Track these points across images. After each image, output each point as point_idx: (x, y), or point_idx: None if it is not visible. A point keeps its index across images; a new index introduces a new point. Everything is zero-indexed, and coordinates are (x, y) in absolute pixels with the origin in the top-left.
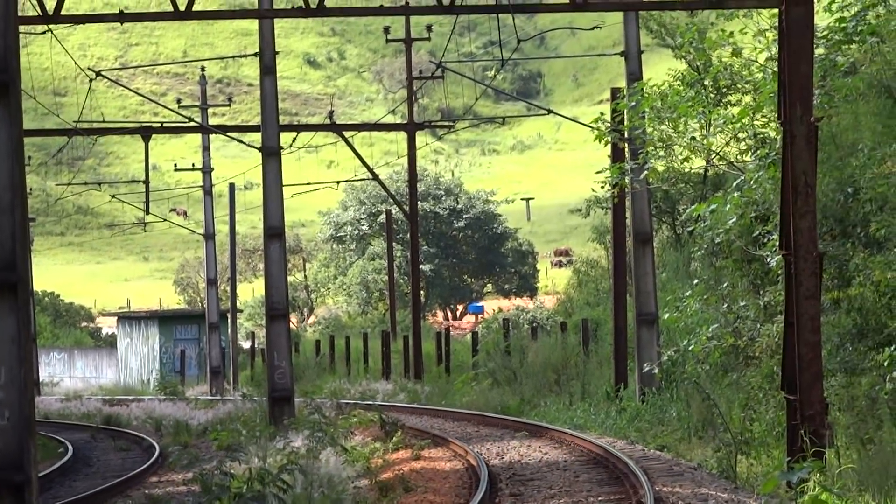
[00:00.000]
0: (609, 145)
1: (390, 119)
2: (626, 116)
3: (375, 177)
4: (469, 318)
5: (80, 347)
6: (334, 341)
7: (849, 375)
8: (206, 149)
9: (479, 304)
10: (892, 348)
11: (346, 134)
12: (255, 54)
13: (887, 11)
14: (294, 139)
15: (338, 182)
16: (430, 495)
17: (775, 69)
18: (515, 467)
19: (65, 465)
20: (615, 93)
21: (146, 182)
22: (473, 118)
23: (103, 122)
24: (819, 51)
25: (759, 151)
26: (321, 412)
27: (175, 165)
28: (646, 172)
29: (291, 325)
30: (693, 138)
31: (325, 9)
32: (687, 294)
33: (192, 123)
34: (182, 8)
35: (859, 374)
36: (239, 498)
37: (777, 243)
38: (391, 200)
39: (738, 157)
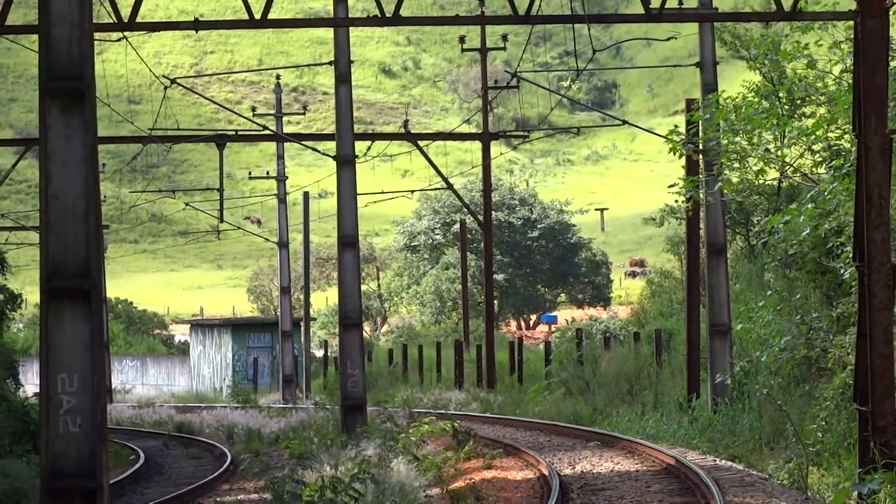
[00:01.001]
0: (683, 157)
1: (465, 129)
2: (700, 128)
3: (450, 186)
4: (542, 328)
5: (152, 355)
6: (407, 350)
7: None
8: (280, 157)
9: (553, 313)
10: None
11: (421, 143)
12: (331, 63)
13: None
14: (368, 148)
15: (412, 191)
16: None
17: (850, 81)
18: (587, 477)
19: (136, 473)
20: (690, 104)
21: (220, 190)
22: (548, 128)
23: (178, 129)
24: (894, 63)
25: (833, 163)
26: (393, 421)
27: (249, 174)
28: (720, 184)
29: (364, 334)
30: (767, 150)
31: (401, 18)
32: (760, 305)
33: (266, 132)
34: (257, 16)
35: None
36: None
37: (851, 255)
38: (465, 210)
39: (812, 168)
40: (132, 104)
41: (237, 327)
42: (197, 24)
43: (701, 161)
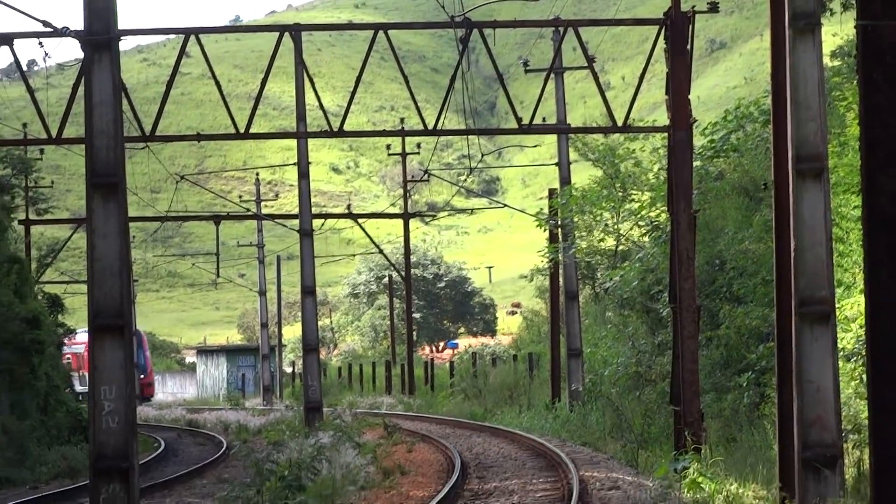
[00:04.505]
0: (548, 230)
1: (391, 210)
2: (559, 209)
3: (381, 251)
4: (448, 351)
5: (170, 371)
6: (351, 367)
7: (718, 393)
8: (259, 231)
9: (455, 341)
10: (749, 374)
11: (360, 220)
12: (295, 164)
13: (744, 135)
14: (322, 224)
15: (354, 255)
16: (419, 477)
17: (665, 175)
18: (480, 458)
19: (159, 456)
20: (552, 192)
21: (217, 254)
22: (451, 209)
23: (186, 211)
24: (697, 163)
25: (654, 234)
26: (342, 418)
27: (238, 242)
28: (573, 249)
29: (321, 356)
30: (607, 224)
31: (344, 131)
32: (603, 335)
33: (250, 213)
34: (242, 130)
35: (725, 392)
36: (282, 479)
37: (667, 298)
38: (392, 268)
39: (639, 237)
40: (153, 193)
41: (230, 352)
42: (199, 137)
43: (559, 233)
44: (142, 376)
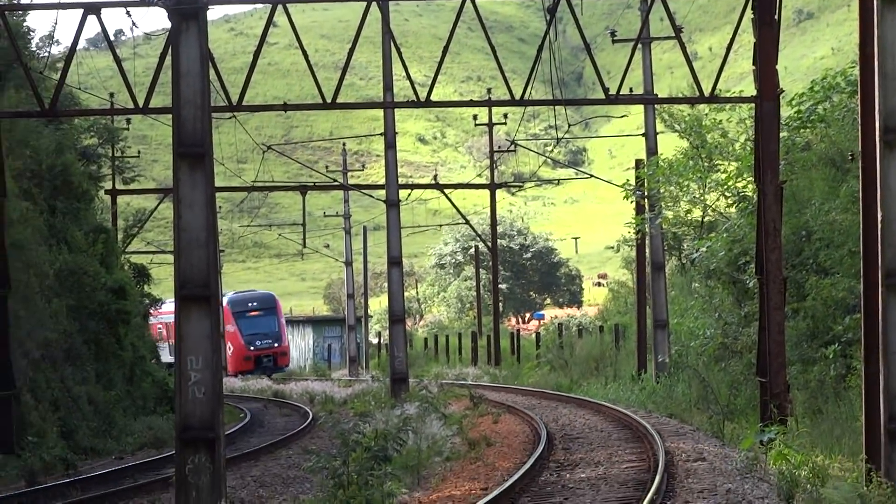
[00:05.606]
0: (634, 201)
1: (478, 180)
2: (646, 180)
3: (467, 222)
4: (534, 323)
5: None
6: (437, 339)
7: (804, 365)
8: (346, 201)
9: (541, 312)
10: (836, 345)
11: (447, 191)
12: (381, 134)
13: (831, 105)
14: (409, 195)
15: (440, 226)
16: (505, 448)
17: (752, 146)
18: (566, 429)
19: (244, 426)
20: (638, 163)
21: (303, 225)
22: (537, 180)
23: (272, 181)
24: (783, 133)
25: (740, 205)
26: (428, 389)
27: (324, 213)
28: (660, 220)
29: (407, 327)
30: (693, 196)
31: (431, 102)
32: (689, 306)
33: (336, 183)
34: (329, 100)
35: (812, 364)
36: (368, 450)
37: (754, 270)
38: (478, 239)
39: (726, 208)
40: (240, 163)
41: (316, 323)
42: (286, 107)
43: (646, 203)
44: (275, 345)
